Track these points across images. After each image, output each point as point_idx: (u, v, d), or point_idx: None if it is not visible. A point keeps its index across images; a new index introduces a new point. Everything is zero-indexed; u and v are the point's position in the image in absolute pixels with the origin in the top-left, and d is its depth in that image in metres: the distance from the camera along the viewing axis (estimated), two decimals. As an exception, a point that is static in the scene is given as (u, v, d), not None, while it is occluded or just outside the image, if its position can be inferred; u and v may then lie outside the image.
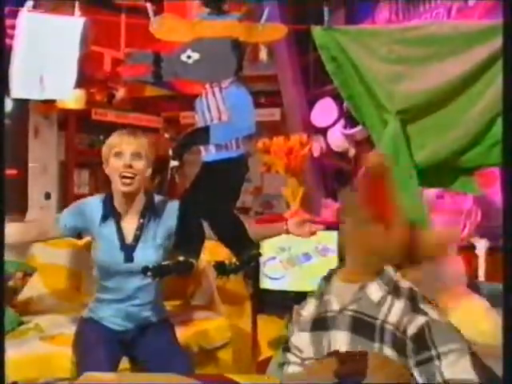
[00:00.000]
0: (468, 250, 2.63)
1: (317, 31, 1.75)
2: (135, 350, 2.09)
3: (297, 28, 2.23)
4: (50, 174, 4.90)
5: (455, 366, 1.19)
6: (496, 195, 2.43)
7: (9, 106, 3.96)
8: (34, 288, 2.67)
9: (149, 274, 1.55)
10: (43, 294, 2.71)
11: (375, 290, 1.33)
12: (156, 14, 1.46)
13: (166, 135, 5.70)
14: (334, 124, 4.24)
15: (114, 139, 2.02)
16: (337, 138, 4.22)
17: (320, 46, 1.76)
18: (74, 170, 5.45)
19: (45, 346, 2.23)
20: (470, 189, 1.82)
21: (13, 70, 1.72)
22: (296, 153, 3.64)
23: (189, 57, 1.44)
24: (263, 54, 1.55)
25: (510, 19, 1.26)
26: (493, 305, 1.59)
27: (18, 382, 1.88)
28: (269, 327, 2.98)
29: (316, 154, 4.28)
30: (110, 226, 2.05)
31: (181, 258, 1.53)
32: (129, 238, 2.05)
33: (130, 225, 2.07)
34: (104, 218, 2.05)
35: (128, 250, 2.03)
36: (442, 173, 1.75)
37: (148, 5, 1.46)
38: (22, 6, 1.79)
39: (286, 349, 1.46)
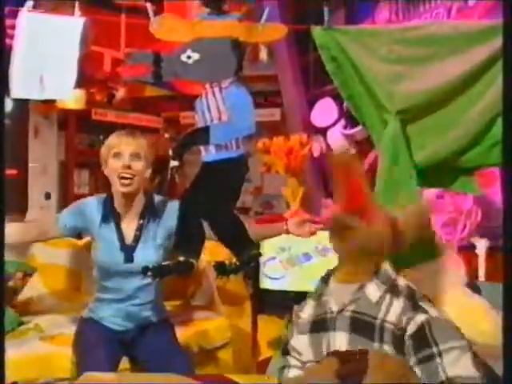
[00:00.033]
0: (468, 249, 2.64)
1: (317, 31, 1.75)
2: (135, 350, 2.09)
3: (297, 28, 2.23)
4: (50, 174, 4.90)
5: (457, 363, 1.19)
6: (496, 195, 2.43)
7: (9, 106, 3.97)
8: (34, 288, 2.67)
9: (149, 274, 1.55)
10: (43, 294, 2.71)
11: (373, 290, 1.32)
12: (156, 14, 1.46)
13: (166, 135, 5.70)
14: (334, 124, 4.25)
15: (113, 140, 2.02)
16: (337, 138, 4.22)
17: (320, 46, 1.76)
18: (74, 169, 5.46)
19: (45, 345, 2.23)
20: (470, 189, 1.82)
21: (13, 70, 1.72)
22: (296, 153, 3.64)
23: (189, 57, 1.44)
24: (263, 54, 1.55)
25: (510, 19, 1.26)
26: (493, 305, 1.59)
27: (18, 382, 1.88)
28: (269, 327, 2.98)
29: (316, 154, 4.28)
30: (110, 226, 2.05)
31: (181, 258, 1.53)
32: (129, 239, 2.05)
33: (129, 225, 2.07)
34: (104, 219, 2.05)
35: (128, 251, 2.03)
36: (442, 173, 1.75)
37: (148, 5, 1.46)
38: (22, 6, 1.79)
39: (286, 352, 1.46)
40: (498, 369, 1.20)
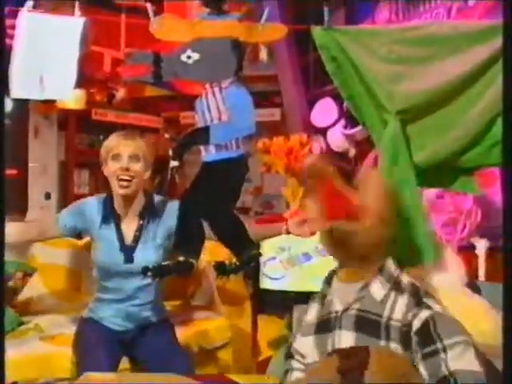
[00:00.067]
0: (468, 249, 2.63)
1: (317, 31, 1.75)
2: (135, 350, 2.09)
3: (297, 28, 2.23)
4: (50, 174, 4.90)
5: (461, 358, 1.20)
6: (496, 195, 2.43)
7: (9, 106, 3.96)
8: (34, 288, 2.67)
9: (149, 274, 1.55)
10: (43, 294, 2.71)
11: (378, 288, 1.33)
12: (156, 14, 1.47)
13: (166, 135, 5.70)
14: (334, 124, 4.25)
15: (111, 141, 2.02)
16: (337, 138, 4.23)
17: (320, 46, 1.76)
18: (74, 169, 5.46)
19: (45, 345, 2.23)
20: (470, 189, 1.82)
21: (13, 70, 1.72)
22: (296, 153, 3.64)
23: (189, 57, 1.44)
24: (263, 54, 1.55)
25: (510, 19, 1.26)
26: (493, 305, 1.59)
27: (18, 382, 1.88)
28: (269, 327, 2.98)
29: (316, 153, 4.28)
30: (110, 227, 2.05)
31: (181, 258, 1.53)
32: (128, 239, 2.05)
33: (129, 226, 2.07)
34: (104, 220, 2.05)
35: (128, 251, 2.03)
36: (442, 173, 1.75)
37: (148, 5, 1.46)
38: (22, 6, 1.79)
39: (289, 355, 1.45)
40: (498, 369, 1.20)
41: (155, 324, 2.12)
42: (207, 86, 1.46)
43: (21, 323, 2.44)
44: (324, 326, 1.38)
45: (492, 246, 2.64)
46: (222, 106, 1.45)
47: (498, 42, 1.47)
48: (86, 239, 2.26)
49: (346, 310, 1.34)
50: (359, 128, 3.57)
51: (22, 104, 4.27)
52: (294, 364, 1.43)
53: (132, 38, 3.31)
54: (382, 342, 1.26)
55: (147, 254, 2.02)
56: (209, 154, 1.49)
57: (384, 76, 1.69)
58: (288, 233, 1.98)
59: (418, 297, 1.30)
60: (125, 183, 1.99)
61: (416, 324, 1.24)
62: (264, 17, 1.51)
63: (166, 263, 1.57)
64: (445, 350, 1.20)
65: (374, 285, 1.33)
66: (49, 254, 2.76)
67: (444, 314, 1.26)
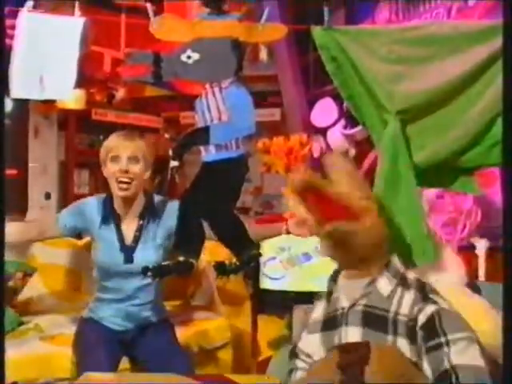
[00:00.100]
0: (468, 249, 2.63)
1: (317, 31, 1.75)
2: (135, 350, 2.09)
3: (297, 28, 2.23)
4: (50, 174, 4.90)
5: (464, 353, 1.20)
6: (496, 195, 2.43)
7: (9, 106, 3.96)
8: (34, 288, 2.67)
9: (149, 274, 1.55)
10: (43, 294, 2.71)
11: (385, 284, 1.33)
12: (156, 14, 1.47)
13: (166, 135, 5.69)
14: (334, 124, 4.24)
15: (111, 142, 2.01)
16: (337, 138, 4.22)
17: (320, 46, 1.76)
18: (74, 169, 5.45)
19: (45, 345, 2.23)
20: (470, 189, 1.82)
21: (13, 70, 1.72)
22: (296, 153, 3.63)
23: (189, 57, 1.44)
24: (263, 54, 1.55)
25: (510, 19, 1.26)
26: (493, 305, 1.59)
27: (18, 382, 1.88)
28: (269, 327, 2.99)
29: (316, 154, 4.28)
30: (110, 227, 2.05)
31: (181, 258, 1.54)
32: (128, 239, 2.05)
33: (129, 226, 2.07)
34: (104, 220, 2.05)
35: (128, 251, 2.03)
36: (442, 173, 1.75)
37: (148, 5, 1.46)
38: (22, 6, 1.79)
39: (294, 355, 1.46)
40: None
41: (155, 324, 2.11)
42: (207, 86, 1.47)
43: (21, 323, 2.44)
44: (330, 323, 1.38)
45: (492, 246, 2.64)
46: (222, 106, 1.45)
47: (497, 42, 1.47)
48: (86, 239, 2.26)
49: (352, 306, 1.35)
50: (359, 128, 3.57)
51: (22, 104, 4.27)
52: (299, 363, 1.44)
53: (132, 37, 3.30)
54: (390, 337, 1.26)
55: (147, 254, 2.02)
56: (209, 154, 1.49)
57: (384, 76, 1.69)
58: (288, 233, 1.98)
59: (424, 292, 1.31)
60: (124, 186, 1.98)
61: (422, 319, 1.25)
62: (264, 17, 1.51)
63: (165, 263, 1.57)
64: (448, 344, 1.20)
65: (380, 280, 1.34)
66: (49, 253, 2.76)
67: (449, 310, 1.27)
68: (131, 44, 3.31)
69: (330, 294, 1.43)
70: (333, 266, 1.45)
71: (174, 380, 1.59)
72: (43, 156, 4.82)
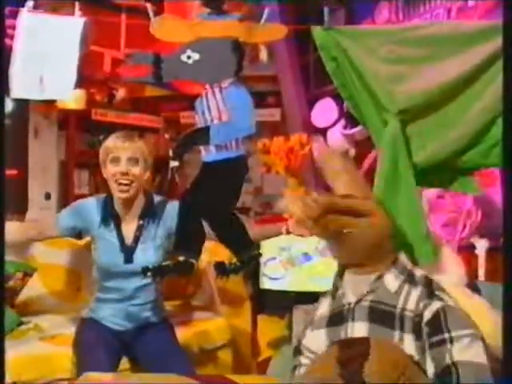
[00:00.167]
0: (468, 249, 2.63)
1: (317, 31, 1.75)
2: (135, 350, 2.09)
3: (297, 28, 2.23)
4: (50, 174, 4.89)
5: (467, 350, 1.21)
6: (496, 195, 2.43)
7: (9, 106, 3.96)
8: (33, 288, 2.67)
9: (149, 274, 1.55)
10: (43, 294, 2.71)
11: (392, 280, 1.34)
12: (156, 14, 1.47)
13: (166, 135, 5.68)
14: (334, 124, 4.24)
15: (110, 144, 2.00)
16: (337, 139, 4.22)
17: (320, 46, 1.76)
18: (74, 170, 5.44)
19: (45, 346, 2.23)
20: (470, 189, 1.82)
21: (13, 70, 1.72)
22: (296, 153, 3.63)
23: (189, 57, 1.44)
24: (263, 54, 1.55)
25: (510, 19, 1.26)
26: (493, 305, 1.59)
27: (18, 382, 1.88)
28: (269, 327, 2.98)
29: (316, 154, 4.27)
30: (110, 227, 2.05)
31: (181, 259, 1.54)
32: (128, 240, 2.05)
33: (129, 226, 2.07)
34: (104, 220, 2.05)
35: (128, 252, 2.03)
36: (442, 173, 1.75)
37: (148, 5, 1.46)
38: (22, 6, 1.79)
39: (298, 352, 1.46)
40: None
41: (155, 324, 2.12)
42: (207, 86, 1.47)
43: (21, 323, 2.43)
44: (336, 319, 1.39)
45: (492, 246, 2.64)
46: (222, 106, 1.45)
47: (497, 42, 1.47)
48: (86, 239, 2.26)
49: (359, 301, 1.35)
50: (359, 128, 3.57)
51: (22, 104, 4.26)
52: (303, 360, 1.44)
53: (132, 38, 3.30)
54: (396, 333, 1.27)
55: (147, 255, 2.02)
56: (209, 154, 1.49)
57: (384, 76, 1.69)
58: (288, 233, 1.99)
59: (431, 289, 1.32)
60: (124, 187, 1.98)
61: (427, 315, 1.26)
62: (264, 17, 1.51)
63: (166, 263, 1.57)
64: (452, 341, 1.21)
65: (388, 276, 1.35)
66: (49, 254, 2.75)
67: (454, 307, 1.28)
68: (131, 44, 3.30)
69: (335, 289, 1.44)
70: (333, 266, 1.46)
71: (174, 380, 1.59)
72: (43, 156, 4.81)
